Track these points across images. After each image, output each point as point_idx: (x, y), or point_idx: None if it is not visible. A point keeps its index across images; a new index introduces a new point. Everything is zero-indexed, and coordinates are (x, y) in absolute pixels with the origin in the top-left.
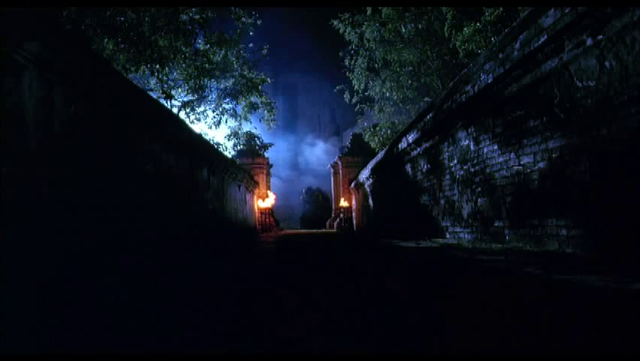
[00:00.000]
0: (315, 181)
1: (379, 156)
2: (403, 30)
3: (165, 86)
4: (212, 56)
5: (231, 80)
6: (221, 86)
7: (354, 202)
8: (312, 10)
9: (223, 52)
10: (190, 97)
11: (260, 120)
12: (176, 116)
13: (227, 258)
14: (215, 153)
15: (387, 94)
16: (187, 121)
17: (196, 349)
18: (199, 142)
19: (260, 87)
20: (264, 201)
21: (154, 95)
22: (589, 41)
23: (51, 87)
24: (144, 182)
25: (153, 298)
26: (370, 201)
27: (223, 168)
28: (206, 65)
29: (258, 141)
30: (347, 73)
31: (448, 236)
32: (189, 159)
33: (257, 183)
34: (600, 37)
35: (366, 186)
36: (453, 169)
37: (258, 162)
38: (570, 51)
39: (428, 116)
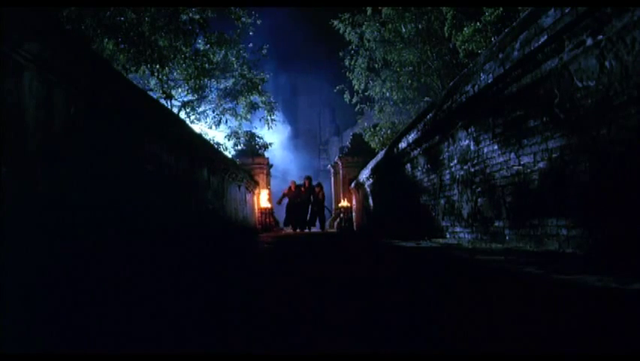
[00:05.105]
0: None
1: (379, 156)
2: (403, 30)
3: (165, 86)
4: (212, 56)
5: (231, 80)
6: (221, 86)
7: (354, 202)
8: (312, 10)
9: (223, 52)
10: (190, 97)
11: (260, 120)
12: (177, 116)
13: (228, 258)
14: (215, 153)
15: (388, 94)
16: (187, 121)
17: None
18: (199, 142)
19: (260, 87)
20: (264, 201)
21: (154, 95)
22: (589, 41)
23: (51, 87)
24: (144, 182)
25: (154, 298)
26: (370, 201)
27: (223, 168)
28: (206, 65)
29: (258, 141)
30: (347, 73)
31: (448, 236)
32: (189, 158)
33: (257, 183)
34: (600, 37)
35: (366, 186)
36: (453, 169)
37: (258, 162)
38: (570, 51)
39: (428, 116)
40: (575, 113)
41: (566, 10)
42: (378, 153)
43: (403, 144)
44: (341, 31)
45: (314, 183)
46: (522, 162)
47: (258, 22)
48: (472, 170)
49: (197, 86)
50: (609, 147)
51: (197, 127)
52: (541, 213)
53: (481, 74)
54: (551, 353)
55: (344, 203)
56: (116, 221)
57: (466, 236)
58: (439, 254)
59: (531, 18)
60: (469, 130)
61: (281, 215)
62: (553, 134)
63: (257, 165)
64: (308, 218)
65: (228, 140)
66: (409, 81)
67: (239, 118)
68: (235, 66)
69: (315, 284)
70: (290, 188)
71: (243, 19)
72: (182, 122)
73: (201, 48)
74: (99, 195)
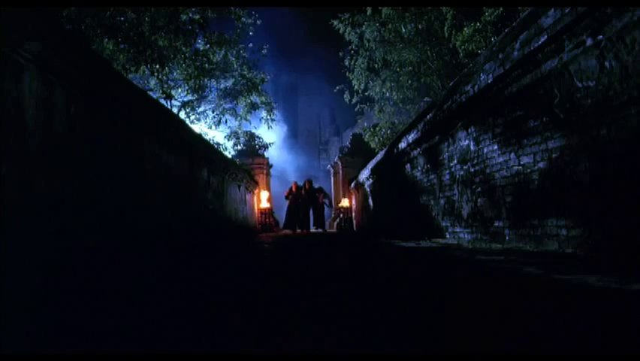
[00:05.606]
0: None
1: (379, 156)
2: (403, 30)
3: (165, 86)
4: (212, 56)
5: (231, 80)
6: (221, 86)
7: (354, 202)
8: (312, 10)
9: (223, 52)
10: (190, 97)
11: (260, 120)
12: (177, 117)
13: (229, 258)
14: (215, 153)
15: (387, 94)
16: (187, 121)
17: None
18: (199, 142)
19: (260, 87)
20: (264, 201)
21: (154, 95)
22: (589, 41)
23: (51, 87)
24: (144, 182)
25: (153, 297)
26: (370, 202)
27: (223, 168)
28: (206, 65)
29: (257, 141)
30: (347, 73)
31: (448, 236)
32: (189, 159)
33: (257, 183)
34: (600, 37)
35: (366, 186)
36: (453, 169)
37: (258, 162)
38: (570, 51)
39: (428, 116)
40: (575, 113)
41: (566, 10)
42: (378, 153)
43: (402, 144)
44: (341, 32)
45: (314, 185)
46: (522, 162)
47: (258, 22)
48: (472, 170)
49: (197, 86)
50: (609, 147)
51: (197, 127)
52: (541, 213)
53: (481, 74)
54: (551, 353)
55: (344, 203)
56: (116, 220)
57: (466, 236)
58: (439, 254)
59: (531, 18)
60: (469, 130)
61: (281, 215)
62: (553, 135)
63: (257, 165)
64: (311, 220)
65: (228, 140)
66: (409, 81)
67: (239, 118)
68: (235, 66)
69: (316, 284)
70: (291, 189)
71: (243, 19)
72: (182, 122)
73: (201, 48)
74: (99, 195)
